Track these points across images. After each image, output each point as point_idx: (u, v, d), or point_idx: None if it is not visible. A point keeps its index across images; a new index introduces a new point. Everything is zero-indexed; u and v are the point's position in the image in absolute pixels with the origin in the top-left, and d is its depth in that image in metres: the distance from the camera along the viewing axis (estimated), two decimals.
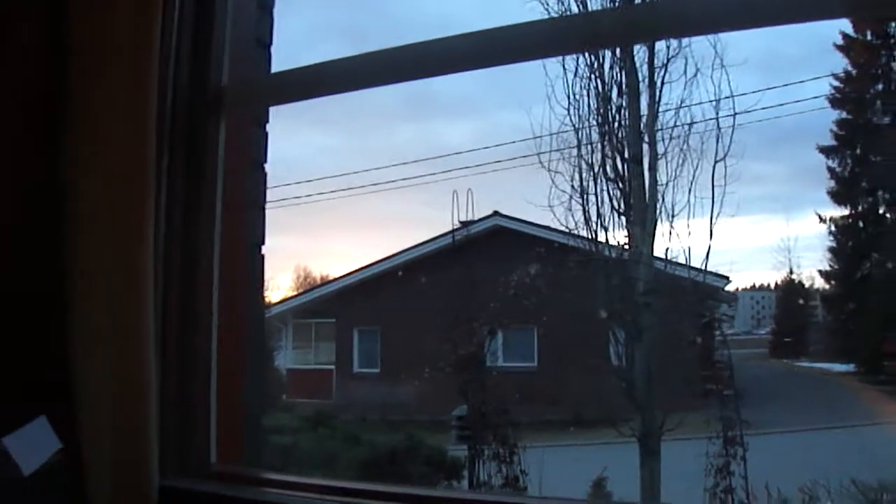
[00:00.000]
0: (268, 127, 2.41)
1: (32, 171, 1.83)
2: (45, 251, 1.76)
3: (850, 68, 18.03)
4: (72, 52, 1.78)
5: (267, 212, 2.45)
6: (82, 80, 1.77)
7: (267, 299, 19.79)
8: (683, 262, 9.08)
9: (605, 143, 9.34)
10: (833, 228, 20.73)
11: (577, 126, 9.28)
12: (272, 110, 2.44)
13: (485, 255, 12.59)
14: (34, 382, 1.72)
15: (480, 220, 14.63)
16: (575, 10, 9.21)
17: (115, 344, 1.72)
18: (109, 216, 1.76)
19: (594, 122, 9.34)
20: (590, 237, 9.19)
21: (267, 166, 2.41)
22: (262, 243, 2.36)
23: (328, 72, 2.05)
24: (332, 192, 18.80)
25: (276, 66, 2.35)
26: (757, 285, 32.54)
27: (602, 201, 9.21)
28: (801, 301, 25.52)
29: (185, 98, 2.02)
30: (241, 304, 2.18)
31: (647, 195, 9.25)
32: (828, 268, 21.85)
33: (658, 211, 9.19)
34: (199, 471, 1.96)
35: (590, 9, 9.56)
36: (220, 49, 2.07)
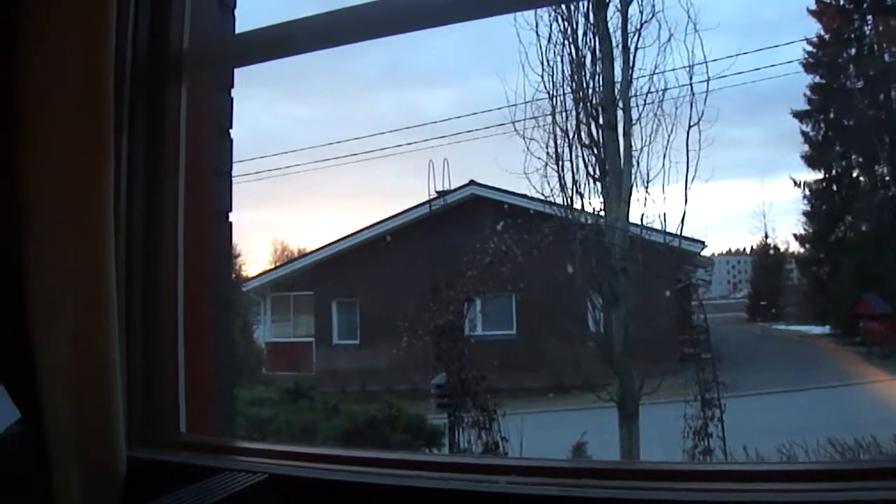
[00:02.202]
0: (241, 98, 2.36)
1: None
2: (1, 222, 1.71)
3: (823, 33, 18.09)
4: (24, 13, 1.72)
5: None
6: (33, 42, 1.71)
7: (244, 273, 19.77)
8: (659, 227, 9.12)
9: (580, 109, 9.33)
10: (807, 192, 20.90)
11: (551, 93, 9.27)
12: (245, 81, 2.39)
13: (461, 223, 12.58)
14: None
15: (457, 189, 14.63)
16: None
17: (76, 313, 1.68)
18: (67, 185, 1.72)
19: (568, 89, 9.32)
20: (565, 204, 9.20)
21: (239, 138, 2.36)
22: (230, 211, 2.32)
23: (294, 31, 2.00)
24: (310, 163, 18.74)
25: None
26: (733, 250, 32.86)
27: (577, 168, 9.24)
28: (776, 265, 25.74)
29: (144, 60, 1.97)
30: (208, 271, 2.14)
31: (621, 161, 9.26)
32: (803, 231, 22.07)
33: (633, 177, 9.22)
34: (167, 440, 1.93)
35: None
36: (180, 10, 2.02)
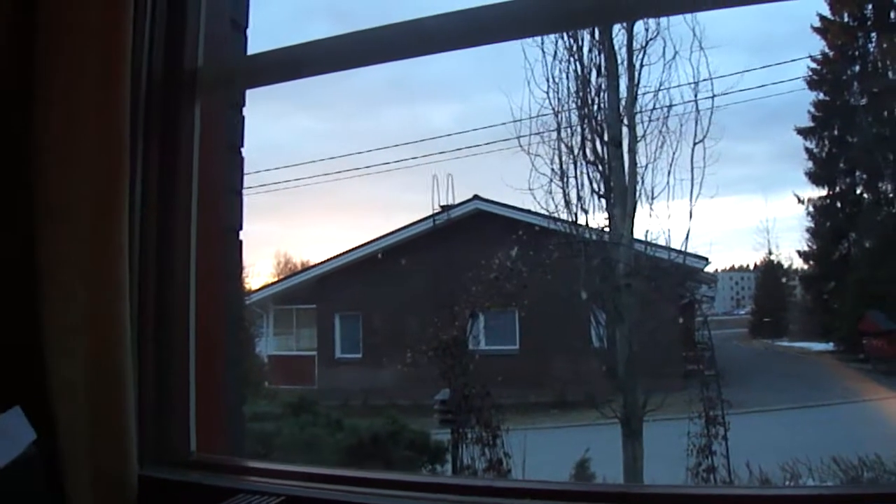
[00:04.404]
0: (249, 111, 2.38)
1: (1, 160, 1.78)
2: (16, 239, 1.72)
3: (827, 50, 18.12)
4: (41, 33, 1.73)
5: (247, 197, 2.41)
6: (53, 63, 1.73)
7: (247, 286, 19.76)
8: (663, 243, 9.12)
9: (585, 125, 9.35)
10: (811, 209, 20.88)
11: (556, 109, 9.29)
12: (254, 94, 2.40)
13: (465, 238, 12.62)
14: (7, 373, 1.69)
15: (461, 203, 14.66)
16: None
17: (90, 332, 1.69)
18: (82, 202, 1.73)
19: (573, 105, 9.34)
20: (570, 220, 9.20)
21: (246, 151, 2.37)
22: (240, 228, 2.32)
23: (306, 53, 2.02)
24: (314, 176, 18.77)
25: (260, 49, 2.31)
26: (736, 266, 32.77)
27: (582, 184, 9.24)
28: (780, 281, 25.70)
29: (159, 81, 1.98)
30: (218, 289, 2.15)
31: (626, 177, 9.27)
32: (806, 248, 22.03)
33: (638, 193, 9.23)
34: (178, 460, 1.93)
35: None
36: (194, 31, 2.03)
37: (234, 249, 2.32)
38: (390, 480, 1.73)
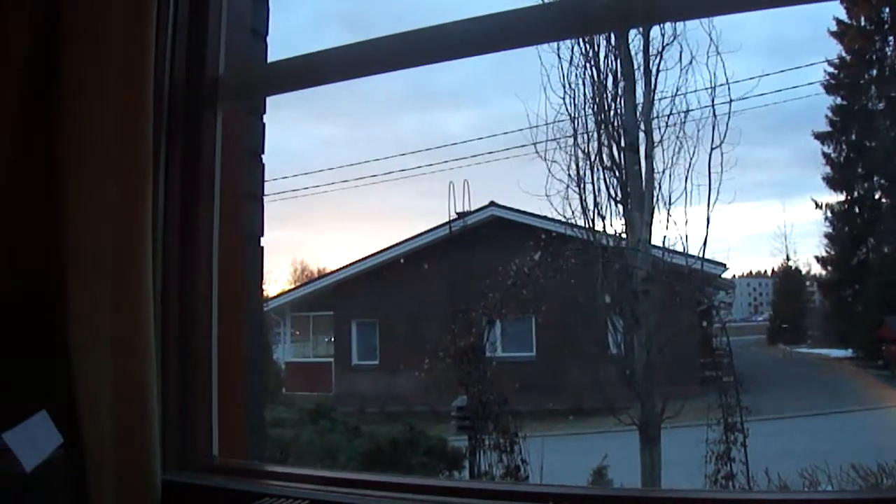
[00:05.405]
0: (268, 119, 2.40)
1: (26, 169, 1.80)
2: (43, 247, 1.74)
3: (844, 54, 18.05)
4: (65, 45, 1.76)
5: (265, 205, 2.43)
6: (77, 73, 1.75)
7: (265, 292, 19.78)
8: (681, 249, 9.07)
9: (602, 131, 9.32)
10: (829, 214, 20.76)
11: (573, 115, 9.27)
12: (269, 102, 2.42)
13: (482, 245, 12.60)
14: (35, 378, 1.71)
15: (477, 210, 14.66)
16: None
17: (115, 338, 1.71)
18: (107, 210, 1.74)
19: (590, 111, 9.32)
20: (587, 226, 9.18)
21: (265, 158, 2.39)
22: (261, 235, 2.34)
23: (325, 60, 2.03)
24: (330, 183, 18.83)
25: (279, 56, 2.33)
26: (754, 272, 32.65)
27: (599, 190, 9.21)
28: (798, 287, 25.55)
29: (181, 89, 2.00)
30: (240, 296, 2.16)
31: (643, 183, 9.23)
32: (824, 254, 21.89)
33: (655, 199, 9.18)
34: (201, 464, 1.95)
35: None
36: (215, 39, 2.06)
37: (256, 256, 2.33)
38: (410, 485, 1.74)
